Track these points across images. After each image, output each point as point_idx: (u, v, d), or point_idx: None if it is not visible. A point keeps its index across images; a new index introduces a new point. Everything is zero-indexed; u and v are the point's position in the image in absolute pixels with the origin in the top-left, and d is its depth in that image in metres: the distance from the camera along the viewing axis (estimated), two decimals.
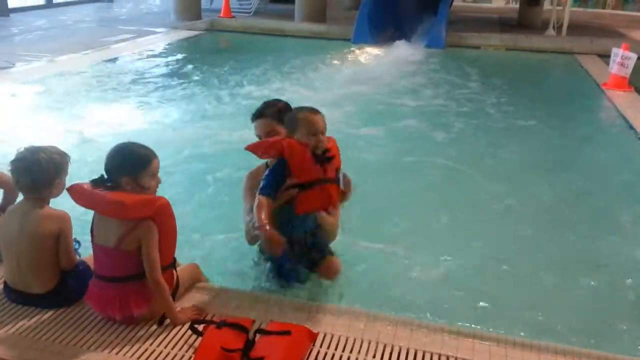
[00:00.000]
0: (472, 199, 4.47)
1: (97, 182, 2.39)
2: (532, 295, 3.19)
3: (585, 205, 4.47)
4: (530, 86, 8.77)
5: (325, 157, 2.66)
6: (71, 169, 2.64)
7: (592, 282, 3.32)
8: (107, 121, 6.04)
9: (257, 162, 2.95)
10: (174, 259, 2.57)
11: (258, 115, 2.88)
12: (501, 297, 3.15)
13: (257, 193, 2.59)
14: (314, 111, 2.70)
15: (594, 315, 3.02)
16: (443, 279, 3.29)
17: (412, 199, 4.41)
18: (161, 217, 2.40)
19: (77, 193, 2.40)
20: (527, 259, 3.56)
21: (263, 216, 2.51)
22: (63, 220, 2.51)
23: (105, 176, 2.42)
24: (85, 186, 2.40)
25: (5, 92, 6.58)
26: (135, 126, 5.98)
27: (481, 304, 3.08)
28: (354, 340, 2.44)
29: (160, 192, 2.56)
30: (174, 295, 2.54)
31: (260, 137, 2.84)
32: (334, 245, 2.99)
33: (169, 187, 4.17)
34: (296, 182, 2.62)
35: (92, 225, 2.46)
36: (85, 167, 3.99)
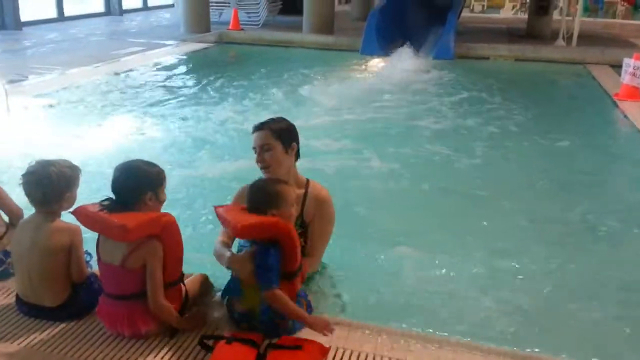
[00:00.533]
0: (488, 219, 4.24)
1: (107, 206, 2.39)
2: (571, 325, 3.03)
3: (604, 225, 4.24)
4: (542, 99, 8.64)
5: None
6: (83, 180, 2.65)
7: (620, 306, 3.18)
8: (117, 133, 6.08)
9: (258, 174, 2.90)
10: (182, 274, 2.56)
11: (258, 127, 2.85)
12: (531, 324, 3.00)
13: (273, 288, 2.39)
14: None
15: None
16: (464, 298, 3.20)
17: (428, 227, 4.08)
18: (167, 234, 2.40)
19: (82, 216, 2.42)
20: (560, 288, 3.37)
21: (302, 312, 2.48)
22: (74, 233, 2.51)
23: (115, 196, 2.42)
24: (90, 208, 2.41)
25: (18, 105, 6.64)
26: (144, 138, 6.03)
27: (506, 326, 2.95)
28: (367, 355, 2.41)
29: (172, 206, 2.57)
30: (183, 308, 2.53)
31: (255, 150, 2.83)
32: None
33: (179, 201, 4.28)
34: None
35: (97, 243, 2.47)
36: (96, 179, 4.02)
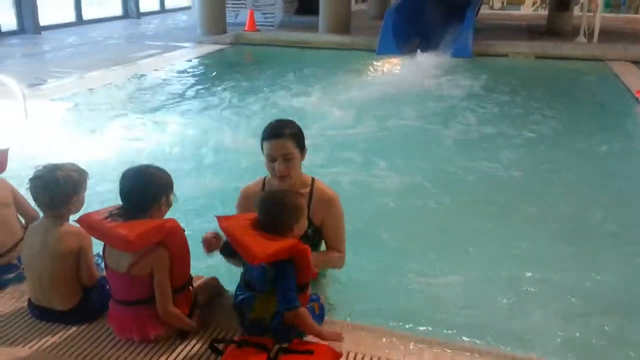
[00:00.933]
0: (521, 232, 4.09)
1: (117, 215, 2.37)
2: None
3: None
4: (565, 98, 8.37)
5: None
6: (97, 184, 2.65)
7: None
8: (135, 135, 6.13)
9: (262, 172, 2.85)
10: (190, 277, 2.54)
11: (276, 134, 2.67)
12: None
13: (296, 308, 2.33)
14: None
15: None
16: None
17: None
18: (171, 239, 2.38)
19: (84, 224, 2.40)
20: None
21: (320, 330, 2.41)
22: (83, 236, 2.50)
23: (125, 203, 2.40)
24: (95, 216, 2.39)
25: (36, 109, 6.72)
26: (163, 140, 6.07)
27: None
28: (379, 359, 2.36)
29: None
30: (192, 312, 2.51)
31: (274, 159, 2.67)
32: None
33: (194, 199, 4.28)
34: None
35: (103, 249, 2.46)
36: (109, 182, 4.03)
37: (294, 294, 2.35)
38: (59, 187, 2.47)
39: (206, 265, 2.91)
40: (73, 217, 2.56)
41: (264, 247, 2.27)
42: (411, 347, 2.43)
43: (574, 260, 3.64)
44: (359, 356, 2.39)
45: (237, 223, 2.42)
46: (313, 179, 2.90)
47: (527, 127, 6.70)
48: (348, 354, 2.39)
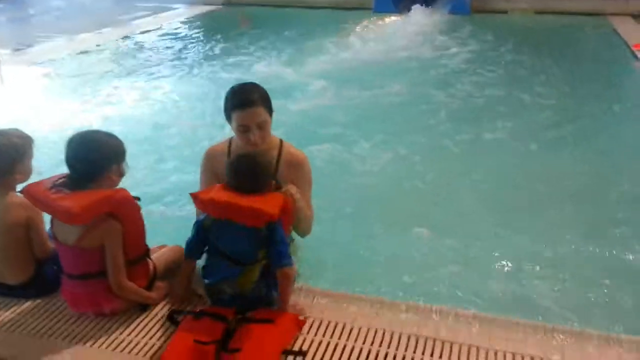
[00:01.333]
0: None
1: (63, 184, 2.22)
2: None
3: None
4: (568, 59, 7.79)
5: None
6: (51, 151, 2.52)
7: None
8: (122, 98, 5.99)
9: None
10: (147, 249, 2.42)
11: (248, 103, 2.48)
12: None
13: (292, 265, 2.29)
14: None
15: None
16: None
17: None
18: (122, 210, 2.25)
19: (30, 196, 2.26)
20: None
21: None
22: (30, 207, 2.36)
23: (72, 171, 2.25)
24: (39, 186, 2.25)
25: (22, 73, 6.54)
26: (148, 103, 5.92)
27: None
28: (344, 325, 2.28)
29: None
30: (151, 284, 2.41)
31: (247, 129, 2.51)
32: None
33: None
34: None
35: (51, 221, 2.33)
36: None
37: (288, 249, 2.29)
38: (1, 154, 2.35)
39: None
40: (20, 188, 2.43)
41: (270, 205, 2.20)
42: (377, 311, 2.35)
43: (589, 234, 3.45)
44: (324, 322, 2.30)
45: (218, 193, 2.24)
46: (281, 141, 2.76)
47: (530, 91, 6.24)
48: (313, 320, 2.31)
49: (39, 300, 2.46)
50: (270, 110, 2.58)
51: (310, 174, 2.76)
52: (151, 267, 2.43)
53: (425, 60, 7.65)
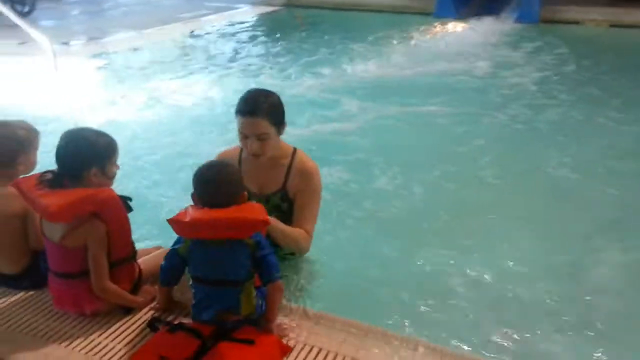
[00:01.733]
0: None
1: (48, 181, 2.18)
2: None
3: None
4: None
5: None
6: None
7: None
8: (183, 92, 6.12)
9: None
10: (134, 251, 2.36)
11: (249, 112, 2.39)
12: None
13: (280, 277, 2.16)
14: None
15: None
16: None
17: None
18: (106, 210, 2.19)
19: (18, 189, 2.22)
20: None
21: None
22: None
23: (59, 167, 2.20)
24: (26, 182, 2.22)
25: (77, 64, 6.78)
26: (207, 98, 6.00)
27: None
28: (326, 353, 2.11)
29: None
30: (136, 287, 2.34)
31: (246, 137, 2.43)
32: None
33: None
34: None
35: (40, 216, 2.29)
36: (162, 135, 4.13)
37: (276, 260, 2.15)
38: (2, 145, 2.34)
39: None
40: None
41: (255, 212, 2.09)
42: (370, 341, 2.17)
43: None
44: (315, 350, 2.14)
45: (196, 213, 2.06)
46: (295, 149, 2.64)
47: (604, 115, 5.50)
48: (304, 345, 2.15)
49: (31, 293, 2.45)
50: (277, 122, 2.46)
51: (319, 185, 2.62)
52: (137, 270, 2.36)
53: (481, 74, 7.14)
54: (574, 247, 3.32)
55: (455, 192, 4.00)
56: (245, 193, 2.18)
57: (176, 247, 2.18)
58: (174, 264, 2.20)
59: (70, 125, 2.38)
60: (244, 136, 2.45)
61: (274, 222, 2.34)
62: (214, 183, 2.10)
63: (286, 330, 2.22)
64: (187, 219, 2.03)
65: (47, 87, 5.87)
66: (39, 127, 2.56)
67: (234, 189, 2.12)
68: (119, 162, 2.35)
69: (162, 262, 2.22)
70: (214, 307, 2.11)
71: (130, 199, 2.33)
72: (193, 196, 2.15)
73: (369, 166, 4.37)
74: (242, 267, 2.11)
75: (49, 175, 2.20)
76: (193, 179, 2.14)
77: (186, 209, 2.09)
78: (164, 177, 4.22)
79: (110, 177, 2.28)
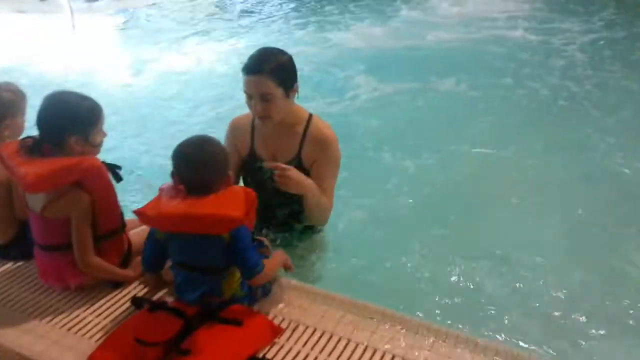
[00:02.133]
0: None
1: (28, 147, 2.04)
2: None
3: None
4: None
5: None
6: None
7: None
8: (191, 53, 5.95)
9: None
10: (123, 223, 2.22)
11: (253, 70, 2.27)
12: None
13: (262, 270, 1.96)
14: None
15: None
16: None
17: None
18: (90, 180, 2.04)
19: None
20: None
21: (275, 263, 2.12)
22: None
23: (39, 132, 2.05)
24: (8, 148, 2.08)
25: (95, 22, 6.65)
26: (214, 59, 5.83)
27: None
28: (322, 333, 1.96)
29: None
30: (125, 260, 2.23)
31: (250, 97, 2.30)
32: None
33: None
34: None
35: None
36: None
37: (255, 254, 1.97)
38: None
39: None
40: None
41: (232, 207, 1.84)
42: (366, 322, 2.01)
43: None
44: (309, 330, 1.99)
45: (167, 204, 1.86)
46: (310, 115, 2.48)
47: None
48: (297, 326, 2.00)
49: (19, 264, 2.37)
50: (284, 83, 2.30)
51: (337, 156, 2.48)
52: (126, 243, 2.24)
53: (528, 40, 6.28)
54: (613, 239, 3.06)
55: (479, 175, 3.75)
56: (231, 175, 1.98)
57: (153, 230, 2.04)
58: (155, 252, 2.06)
59: (76, 89, 2.22)
60: (248, 96, 2.32)
61: (312, 187, 2.35)
62: (193, 163, 1.89)
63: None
64: (152, 212, 1.85)
65: (62, 48, 5.75)
66: (40, 90, 2.41)
67: (217, 172, 1.91)
68: (105, 129, 2.19)
69: (144, 246, 2.08)
70: (198, 290, 1.97)
71: (119, 167, 2.19)
72: (173, 175, 1.96)
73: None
74: (218, 258, 1.95)
75: (30, 141, 2.06)
76: (172, 155, 1.93)
77: (159, 194, 1.92)
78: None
79: (95, 146, 2.11)
